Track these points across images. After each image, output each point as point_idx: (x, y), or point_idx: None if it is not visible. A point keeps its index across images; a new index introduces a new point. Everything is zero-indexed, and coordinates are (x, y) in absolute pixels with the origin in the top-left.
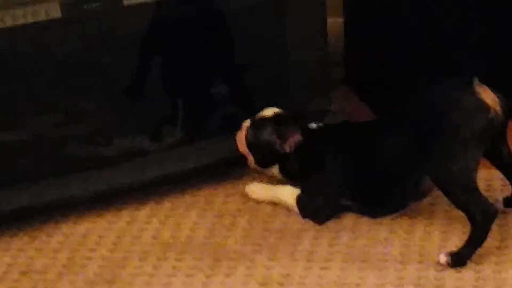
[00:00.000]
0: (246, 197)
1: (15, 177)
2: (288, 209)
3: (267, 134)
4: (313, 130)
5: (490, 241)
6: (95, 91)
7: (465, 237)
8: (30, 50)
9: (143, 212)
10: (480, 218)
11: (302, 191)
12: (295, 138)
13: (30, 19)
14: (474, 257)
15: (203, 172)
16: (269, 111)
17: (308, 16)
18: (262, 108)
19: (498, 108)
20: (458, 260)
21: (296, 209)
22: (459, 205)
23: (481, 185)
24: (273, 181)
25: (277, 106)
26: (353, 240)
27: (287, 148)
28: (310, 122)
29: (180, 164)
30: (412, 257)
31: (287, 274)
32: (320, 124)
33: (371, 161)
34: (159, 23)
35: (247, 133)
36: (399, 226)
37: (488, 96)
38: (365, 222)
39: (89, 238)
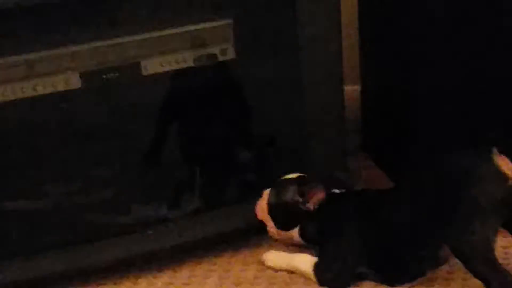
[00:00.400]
0: (263, 265)
1: (32, 246)
2: (306, 277)
3: (290, 193)
4: (332, 196)
5: None
6: (113, 159)
7: None
8: (49, 119)
9: (161, 280)
10: None
11: (319, 258)
12: (319, 195)
13: (50, 90)
14: None
15: (221, 240)
16: (292, 175)
17: (325, 84)
18: (279, 177)
19: None
20: None
21: (313, 277)
22: (477, 275)
23: (499, 252)
24: (290, 249)
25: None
26: None
27: (311, 206)
28: (331, 189)
29: (198, 232)
30: None
31: None
32: (341, 191)
33: (389, 229)
34: (176, 91)
35: (269, 197)
36: None
37: (507, 166)
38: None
39: None
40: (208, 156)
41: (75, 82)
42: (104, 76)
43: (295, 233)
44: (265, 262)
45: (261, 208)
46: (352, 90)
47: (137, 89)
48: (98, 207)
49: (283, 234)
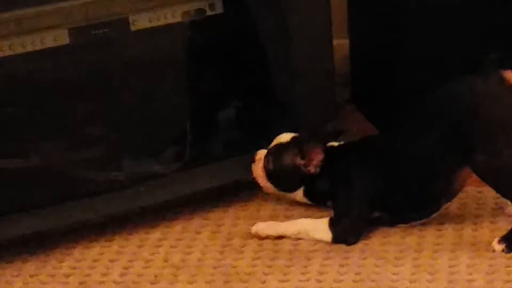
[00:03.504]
0: (256, 219)
1: (26, 203)
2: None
3: (290, 158)
4: (334, 148)
5: None
6: (104, 116)
7: (474, 255)
8: (38, 76)
9: (154, 236)
10: None
11: (334, 214)
12: (319, 157)
13: (38, 46)
14: None
15: (213, 194)
16: (286, 137)
17: (314, 37)
18: (271, 137)
19: None
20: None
21: (327, 237)
22: (505, 194)
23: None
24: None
25: (289, 130)
26: (363, 260)
27: (312, 169)
28: (329, 142)
29: (189, 187)
30: (422, 276)
31: None
32: (341, 142)
33: (403, 167)
34: (165, 47)
35: (266, 162)
36: (408, 245)
37: None
38: (375, 242)
39: (100, 262)
40: (198, 111)
41: (63, 38)
42: (93, 32)
43: (299, 193)
44: (258, 233)
45: (258, 173)
46: (341, 44)
47: (126, 44)
48: (89, 164)
49: (285, 195)
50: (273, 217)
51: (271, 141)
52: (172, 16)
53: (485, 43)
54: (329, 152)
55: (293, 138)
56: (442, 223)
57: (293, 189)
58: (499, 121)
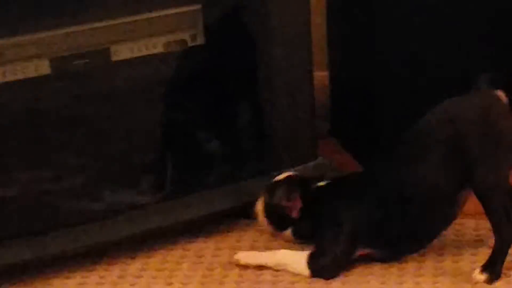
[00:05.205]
0: (236, 249)
1: (4, 233)
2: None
3: (278, 199)
4: (321, 188)
5: None
6: (84, 146)
7: (455, 287)
8: (19, 106)
9: (134, 266)
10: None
11: (315, 248)
12: (297, 204)
13: (20, 76)
14: None
15: (193, 225)
16: (283, 175)
17: (295, 69)
18: (250, 164)
19: None
20: (494, 273)
21: (305, 271)
22: (493, 215)
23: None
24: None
25: (268, 162)
26: None
27: (294, 214)
28: (315, 182)
29: (169, 217)
30: None
31: None
32: (326, 182)
33: (399, 197)
34: (146, 77)
35: (263, 199)
36: (390, 276)
37: (507, 99)
38: (356, 273)
39: None
40: (178, 142)
41: (45, 68)
42: (74, 62)
43: (288, 232)
44: (240, 261)
45: (258, 210)
46: (321, 75)
47: (107, 75)
48: (69, 194)
49: (279, 233)
50: (253, 248)
51: (251, 172)
52: (153, 47)
53: (462, 71)
54: (316, 192)
55: (286, 178)
56: (422, 255)
57: (284, 227)
58: (498, 137)
